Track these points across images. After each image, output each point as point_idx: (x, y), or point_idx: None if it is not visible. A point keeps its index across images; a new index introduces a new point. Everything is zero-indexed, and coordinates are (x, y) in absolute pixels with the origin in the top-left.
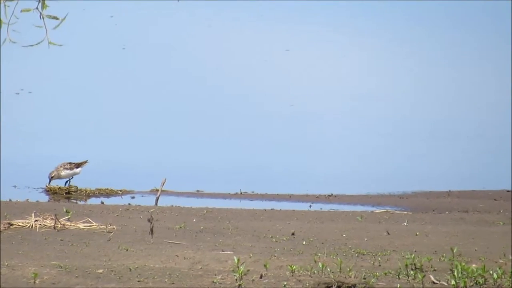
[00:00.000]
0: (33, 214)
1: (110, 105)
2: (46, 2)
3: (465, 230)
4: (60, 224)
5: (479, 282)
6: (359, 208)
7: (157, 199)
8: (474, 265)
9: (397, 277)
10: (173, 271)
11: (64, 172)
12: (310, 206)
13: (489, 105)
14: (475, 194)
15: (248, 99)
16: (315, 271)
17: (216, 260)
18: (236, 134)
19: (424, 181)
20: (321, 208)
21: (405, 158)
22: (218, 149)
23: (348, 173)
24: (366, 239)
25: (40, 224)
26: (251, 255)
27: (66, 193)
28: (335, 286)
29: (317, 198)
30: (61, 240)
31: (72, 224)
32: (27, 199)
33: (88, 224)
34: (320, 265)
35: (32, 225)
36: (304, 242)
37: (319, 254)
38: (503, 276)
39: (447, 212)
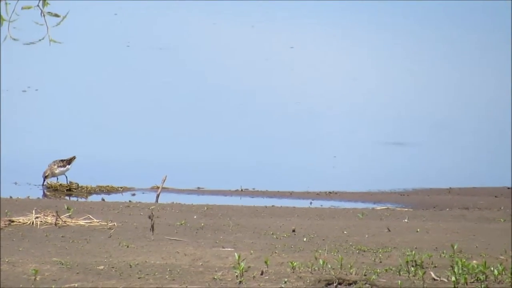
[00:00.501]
0: (34, 211)
1: (112, 102)
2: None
3: (466, 226)
4: (61, 220)
5: (479, 279)
6: (360, 205)
7: (157, 196)
8: (474, 262)
9: (397, 273)
10: (173, 267)
11: (58, 170)
12: (311, 203)
13: (490, 102)
14: (475, 191)
15: (249, 96)
16: (316, 268)
17: (217, 256)
18: (237, 131)
19: (424, 178)
20: (321, 205)
21: (406, 155)
22: (218, 146)
23: (349, 170)
24: (367, 236)
25: (41, 221)
26: (251, 251)
27: (67, 190)
28: (336, 283)
29: (317, 195)
30: (62, 236)
31: (73, 221)
32: (28, 196)
33: (89, 221)
34: (321, 262)
35: (33, 222)
36: (304, 239)
37: (320, 251)
38: (503, 273)
39: (447, 209)
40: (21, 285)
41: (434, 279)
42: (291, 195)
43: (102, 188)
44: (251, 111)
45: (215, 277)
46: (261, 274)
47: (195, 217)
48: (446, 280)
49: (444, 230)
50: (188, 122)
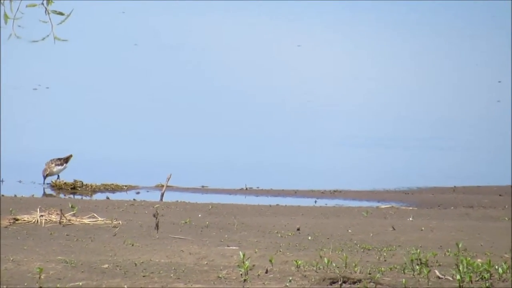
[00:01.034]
0: (38, 210)
1: (118, 101)
2: None
3: (470, 225)
4: (66, 219)
5: (484, 277)
6: (364, 204)
7: (162, 195)
8: (479, 260)
9: (402, 272)
10: (178, 266)
11: (56, 168)
12: (315, 201)
13: (494, 101)
14: (480, 189)
15: (254, 95)
16: (321, 266)
17: (222, 255)
18: (241, 130)
19: (429, 177)
20: (326, 204)
21: (410, 154)
22: (223, 145)
23: (354, 169)
24: (371, 235)
25: (46, 219)
26: (256, 250)
27: (71, 188)
28: (341, 281)
29: (322, 194)
30: (66, 235)
31: (78, 219)
32: (33, 195)
33: (94, 219)
34: (326, 260)
35: (37, 220)
36: (309, 238)
37: (325, 249)
38: (508, 271)
39: (452, 208)
40: (26, 284)
41: (439, 278)
42: (295, 193)
43: (107, 187)
44: (255, 110)
45: (220, 276)
46: (266, 272)
47: (199, 215)
48: (451, 279)
49: (448, 228)
50: (193, 121)
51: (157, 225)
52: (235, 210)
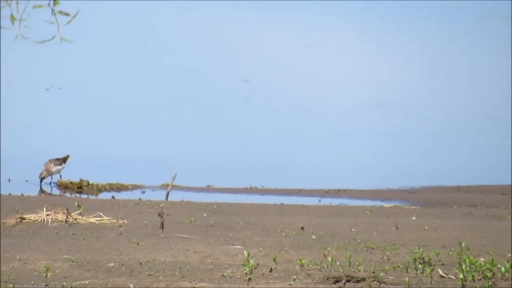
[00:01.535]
0: (44, 209)
1: (124, 100)
2: None
3: (473, 224)
4: (72, 218)
5: (487, 276)
6: (368, 203)
7: (167, 194)
8: (482, 259)
9: (405, 271)
10: (183, 265)
11: (54, 168)
12: (320, 200)
13: (498, 100)
14: (483, 188)
15: (259, 94)
16: (325, 265)
17: (226, 254)
18: (246, 129)
19: (432, 176)
20: (330, 203)
21: (414, 153)
22: (228, 144)
23: (357, 168)
24: (375, 234)
25: (52, 219)
26: (261, 249)
27: (77, 187)
28: (344, 280)
29: (326, 193)
30: (72, 234)
31: (84, 218)
32: (39, 194)
33: (100, 218)
34: (330, 259)
35: (43, 220)
36: (313, 237)
37: (329, 248)
38: (510, 270)
39: (455, 207)
40: (32, 282)
41: (442, 277)
42: (299, 193)
43: (112, 186)
44: (261, 109)
45: (225, 274)
46: (270, 271)
47: (204, 215)
48: (453, 278)
49: (451, 227)
50: (199, 120)
51: (162, 224)
52: (239, 209)
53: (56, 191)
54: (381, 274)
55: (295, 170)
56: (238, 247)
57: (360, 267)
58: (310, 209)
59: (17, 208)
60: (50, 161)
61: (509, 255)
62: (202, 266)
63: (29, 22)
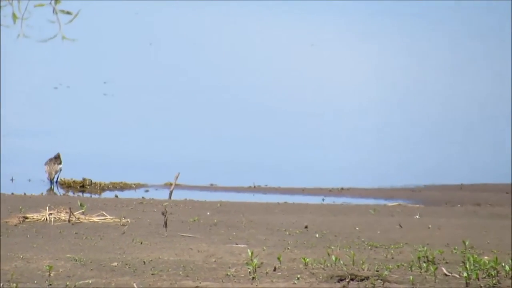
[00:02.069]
0: (47, 208)
1: (127, 100)
2: None
3: (477, 223)
4: (75, 217)
5: (491, 274)
6: (371, 201)
7: (170, 193)
8: (486, 258)
9: (409, 269)
10: (187, 263)
11: (58, 167)
12: (323, 199)
13: (502, 99)
14: (487, 187)
15: (263, 93)
16: (328, 264)
17: (230, 253)
18: (249, 128)
19: (436, 175)
20: (334, 202)
21: (417, 152)
22: (231, 143)
23: (361, 167)
24: (379, 232)
25: (55, 218)
26: (264, 248)
27: (80, 186)
28: (348, 279)
29: (330, 192)
30: (75, 233)
31: (87, 218)
32: (42, 193)
33: (103, 218)
34: (333, 258)
35: (46, 219)
36: (317, 235)
37: (332, 247)
38: None
39: (459, 205)
40: (35, 282)
41: (446, 275)
42: (303, 191)
43: (116, 185)
44: (264, 108)
45: (228, 273)
46: (274, 270)
47: (208, 213)
48: (457, 276)
49: (455, 226)
50: (202, 119)
51: (165, 223)
52: (243, 208)
53: (59, 190)
54: (385, 272)
55: (299, 169)
56: (242, 246)
57: (364, 266)
58: (314, 208)
59: (20, 207)
60: (51, 160)
61: None
62: (205, 265)
63: (31, 21)
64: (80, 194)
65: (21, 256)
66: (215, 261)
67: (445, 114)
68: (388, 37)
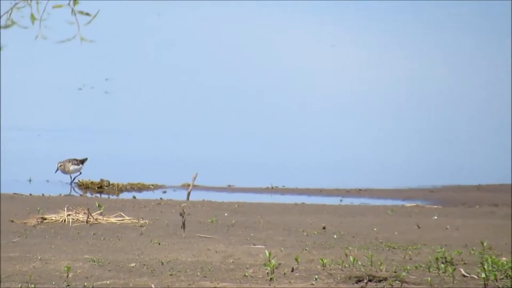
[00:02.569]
0: (65, 209)
1: (145, 100)
2: None
3: (495, 223)
4: (93, 218)
5: (509, 275)
6: (389, 202)
7: (188, 194)
8: (504, 258)
9: (427, 270)
10: (205, 264)
11: (72, 167)
12: (341, 200)
13: None
14: (504, 188)
15: (281, 93)
16: (346, 265)
17: (248, 253)
18: (267, 128)
19: (454, 175)
20: (351, 202)
21: (434, 152)
22: (249, 144)
23: (378, 168)
24: (396, 233)
25: (73, 219)
26: (282, 249)
27: (98, 187)
28: (366, 280)
29: (347, 192)
30: (93, 234)
31: (105, 219)
32: (60, 194)
33: (121, 218)
34: (351, 259)
35: (65, 220)
36: (335, 236)
37: (350, 248)
38: None
39: (477, 206)
40: (53, 283)
41: (464, 276)
42: (321, 192)
43: (133, 186)
44: (281, 109)
45: (246, 274)
46: (292, 271)
47: (226, 214)
48: (476, 277)
49: (473, 227)
50: (219, 119)
51: (183, 224)
52: (261, 208)
53: (77, 191)
54: (403, 273)
55: (316, 169)
56: (260, 246)
57: (382, 267)
58: (332, 209)
59: (38, 208)
60: (69, 160)
61: None
62: (223, 266)
63: (49, 22)
64: (98, 195)
65: (39, 257)
66: (233, 262)
67: (463, 114)
68: (409, 36)
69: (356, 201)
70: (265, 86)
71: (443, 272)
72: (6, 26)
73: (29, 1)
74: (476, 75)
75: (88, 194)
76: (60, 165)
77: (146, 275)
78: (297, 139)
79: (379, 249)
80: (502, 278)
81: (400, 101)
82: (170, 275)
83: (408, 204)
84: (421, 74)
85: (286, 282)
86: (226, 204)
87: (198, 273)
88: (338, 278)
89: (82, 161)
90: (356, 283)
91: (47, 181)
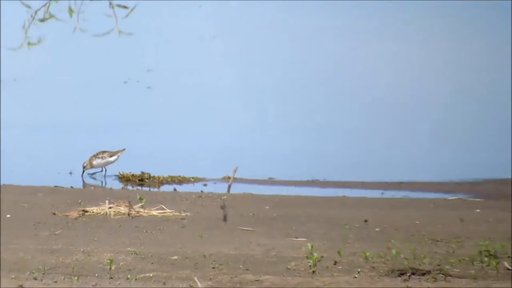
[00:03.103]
0: (107, 201)
1: (182, 92)
2: None
3: None
4: (134, 211)
5: None
6: (431, 195)
7: (229, 186)
8: None
9: (471, 263)
10: (247, 257)
11: (95, 162)
12: (382, 193)
13: None
14: None
15: (321, 86)
16: (389, 258)
17: (290, 246)
18: (308, 120)
19: (496, 168)
20: (393, 195)
21: (477, 145)
22: (290, 136)
23: (420, 160)
24: (439, 226)
25: (114, 211)
26: (324, 242)
27: (139, 180)
28: (409, 273)
29: (388, 185)
30: (135, 227)
31: (146, 211)
32: (101, 186)
33: (162, 211)
34: (394, 252)
35: (106, 212)
36: (377, 229)
37: (393, 241)
38: None
39: None
40: (96, 274)
41: (508, 269)
42: (362, 185)
43: (174, 178)
44: (324, 101)
45: (289, 267)
46: (334, 264)
47: (267, 207)
48: None
49: None
50: (260, 111)
51: (225, 217)
52: (302, 202)
53: (117, 184)
54: (447, 267)
55: (357, 162)
56: (302, 239)
57: (425, 260)
58: (373, 202)
59: (79, 200)
60: (97, 153)
61: None
62: (266, 259)
63: (87, 15)
64: (139, 187)
65: (82, 250)
66: (275, 254)
67: (506, 106)
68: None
69: (398, 194)
70: (311, 77)
71: (487, 265)
72: (44, 19)
73: None
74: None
75: (129, 187)
76: (85, 165)
77: (188, 267)
78: (338, 131)
79: (422, 242)
80: None
81: (442, 95)
82: (213, 268)
83: (450, 197)
84: (466, 66)
85: (328, 275)
86: (267, 197)
87: (241, 266)
88: (381, 271)
89: (114, 153)
90: (399, 276)
91: (89, 174)
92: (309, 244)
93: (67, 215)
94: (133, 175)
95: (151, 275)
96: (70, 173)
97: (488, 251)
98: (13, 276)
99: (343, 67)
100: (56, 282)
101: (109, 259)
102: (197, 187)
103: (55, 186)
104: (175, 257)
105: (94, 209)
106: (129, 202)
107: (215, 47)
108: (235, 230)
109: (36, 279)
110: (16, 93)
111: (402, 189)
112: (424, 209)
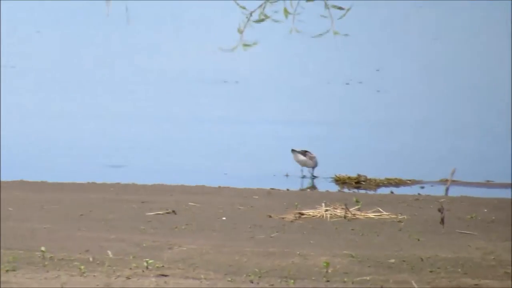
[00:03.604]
0: (323, 204)
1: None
2: None
3: None
4: (351, 213)
5: None
6: None
7: (447, 189)
8: None
9: None
10: (465, 261)
11: (299, 158)
12: None
13: None
14: None
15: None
16: None
17: (510, 250)
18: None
19: None
20: None
21: None
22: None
23: None
24: None
25: (331, 214)
26: None
27: (355, 182)
28: None
29: None
30: (351, 229)
31: (362, 214)
32: (316, 189)
33: (378, 214)
34: None
35: (323, 215)
36: None
37: None
38: None
39: None
40: (313, 278)
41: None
42: None
43: (390, 181)
44: None
45: (508, 271)
46: None
47: (485, 210)
48: None
49: None
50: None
51: (442, 220)
52: None
53: (333, 187)
54: None
55: None
56: None
57: None
58: None
59: (296, 203)
60: (307, 153)
61: None
62: (484, 263)
63: (302, 16)
64: (355, 190)
65: (298, 252)
66: (493, 258)
67: None
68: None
69: None
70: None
71: None
72: (259, 20)
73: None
74: None
75: (345, 190)
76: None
77: (405, 271)
78: None
79: None
80: None
81: None
82: (430, 271)
83: None
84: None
85: None
86: (485, 200)
87: (459, 270)
88: None
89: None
90: None
91: (303, 177)
92: None
93: (283, 218)
94: (349, 177)
95: (368, 278)
96: (286, 175)
97: None
98: (229, 279)
99: None
100: (272, 285)
101: (325, 262)
102: (414, 190)
103: (270, 189)
104: (392, 260)
105: (311, 212)
106: (346, 204)
107: (438, 48)
108: (452, 233)
109: (252, 282)
110: (230, 95)
111: None
112: None
